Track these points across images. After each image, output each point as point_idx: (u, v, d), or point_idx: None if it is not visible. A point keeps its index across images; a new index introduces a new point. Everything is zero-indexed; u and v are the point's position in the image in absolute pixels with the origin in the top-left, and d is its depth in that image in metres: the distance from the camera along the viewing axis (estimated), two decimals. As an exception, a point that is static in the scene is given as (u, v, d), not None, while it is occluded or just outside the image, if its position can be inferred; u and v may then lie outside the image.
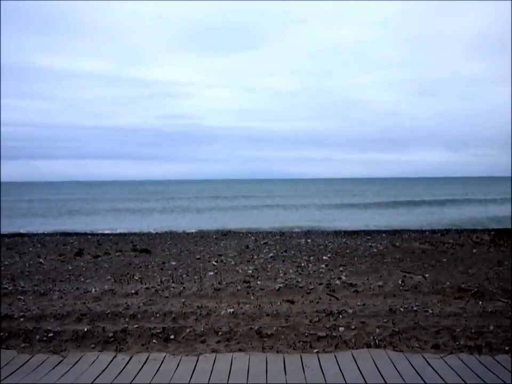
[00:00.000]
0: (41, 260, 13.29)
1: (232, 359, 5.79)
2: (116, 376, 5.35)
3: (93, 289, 8.95)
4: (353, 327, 6.74)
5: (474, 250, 14.15)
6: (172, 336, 6.57)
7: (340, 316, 7.21)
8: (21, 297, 8.54)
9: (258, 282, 9.60)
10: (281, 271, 10.99)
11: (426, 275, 10.24)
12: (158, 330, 6.69)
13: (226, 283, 9.44)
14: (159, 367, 5.60)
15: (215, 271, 11.09)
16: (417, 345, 6.16)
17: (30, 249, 16.19)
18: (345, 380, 5.12)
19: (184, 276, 10.60)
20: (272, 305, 7.77)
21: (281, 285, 9.08)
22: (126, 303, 7.90)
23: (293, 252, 14.48)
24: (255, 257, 13.56)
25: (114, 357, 5.95)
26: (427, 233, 20.72)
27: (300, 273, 10.72)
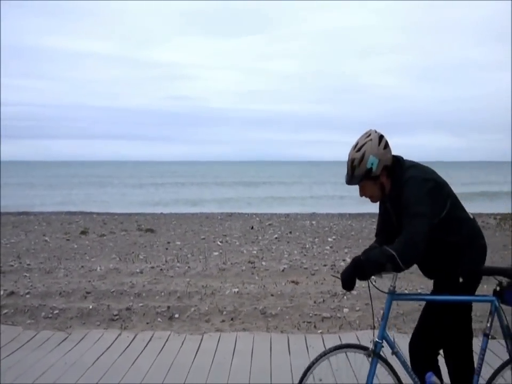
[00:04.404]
0: (46, 238, 13.34)
1: (236, 338, 5.81)
2: (121, 354, 5.38)
3: (98, 268, 8.98)
4: (357, 308, 6.74)
5: (479, 234, 14.11)
6: (177, 315, 6.59)
7: (344, 297, 7.22)
8: (26, 274, 8.59)
9: (263, 263, 9.61)
10: (285, 252, 11.00)
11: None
12: (163, 309, 6.71)
13: (231, 263, 9.46)
14: (164, 346, 5.63)
15: (220, 251, 11.11)
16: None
17: (36, 227, 16.25)
18: (349, 361, 5.12)
19: (189, 255, 10.62)
20: (276, 286, 7.78)
21: (285, 266, 9.09)
22: (131, 281, 7.92)
23: (297, 234, 14.47)
24: (260, 238, 13.57)
25: (119, 334, 5.99)
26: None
27: (305, 255, 10.72)
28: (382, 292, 3.28)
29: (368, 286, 3.22)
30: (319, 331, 6.07)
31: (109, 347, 5.60)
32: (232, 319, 6.49)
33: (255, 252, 11.00)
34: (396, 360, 3.23)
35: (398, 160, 3.25)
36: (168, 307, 6.77)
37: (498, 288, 3.09)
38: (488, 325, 3.12)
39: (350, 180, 3.20)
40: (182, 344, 5.68)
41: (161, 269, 8.88)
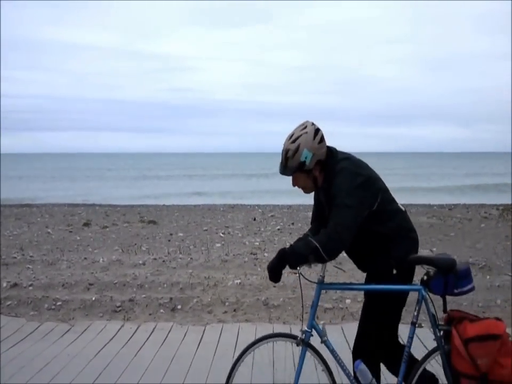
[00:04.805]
0: (49, 230, 13.36)
1: (239, 329, 5.82)
2: (123, 345, 5.40)
3: (101, 259, 9.00)
4: (359, 299, 6.74)
5: (482, 225, 14.10)
6: (179, 306, 6.61)
7: (347, 288, 7.21)
8: (29, 266, 8.60)
9: (265, 254, 9.61)
10: (288, 244, 10.97)
11: (434, 249, 10.21)
12: (165, 300, 6.73)
13: (234, 254, 9.46)
14: (166, 337, 5.65)
15: (222, 242, 11.12)
16: (423, 318, 6.14)
17: (38, 219, 16.28)
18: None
19: (191, 247, 10.63)
20: (279, 277, 7.78)
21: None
22: (133, 273, 7.94)
23: (300, 225, 14.47)
24: (262, 229, 13.57)
25: (122, 326, 6.01)
26: (435, 207, 20.65)
27: (307, 246, 10.71)
28: (311, 282, 3.33)
29: (299, 277, 3.28)
30: (322, 322, 6.07)
31: (111, 338, 5.61)
32: (234, 310, 6.50)
33: (257, 243, 11.01)
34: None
35: (331, 152, 3.24)
36: (171, 298, 6.78)
37: (425, 277, 3.10)
38: (415, 313, 3.14)
39: (283, 171, 3.21)
40: (185, 335, 5.70)
41: (163, 261, 8.89)
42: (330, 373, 3.28)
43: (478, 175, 57.21)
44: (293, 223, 14.83)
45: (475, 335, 2.86)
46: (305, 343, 3.21)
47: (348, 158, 3.22)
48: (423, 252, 9.86)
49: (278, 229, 13.55)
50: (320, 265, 3.24)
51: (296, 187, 3.32)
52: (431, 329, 3.15)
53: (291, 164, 3.15)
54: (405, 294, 3.26)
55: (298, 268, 3.15)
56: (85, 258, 9.24)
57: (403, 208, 3.36)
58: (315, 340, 3.27)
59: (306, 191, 3.33)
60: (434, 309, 3.14)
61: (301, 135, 3.13)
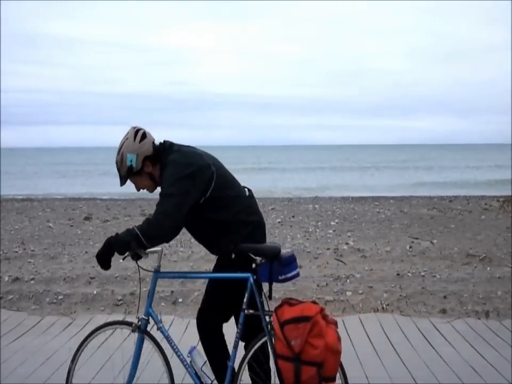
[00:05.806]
0: (50, 224, 13.38)
1: (240, 322, 5.83)
2: (125, 339, 5.37)
3: (102, 253, 9.00)
4: (360, 291, 6.77)
5: (482, 217, 14.10)
6: (180, 300, 6.63)
7: (347, 280, 7.24)
8: (31, 260, 8.63)
9: (266, 247, 9.62)
10: (288, 236, 11.01)
11: (434, 241, 10.23)
12: (167, 294, 6.75)
13: (234, 248, 9.48)
14: (168, 330, 5.63)
15: (223, 236, 11.12)
16: (424, 310, 6.18)
17: (40, 213, 16.29)
18: (352, 344, 5.15)
19: (192, 240, 10.63)
20: (279, 270, 7.80)
21: (288, 250, 9.09)
22: (134, 266, 7.91)
23: (300, 218, 14.48)
24: (263, 222, 13.57)
25: (123, 319, 6.01)
26: (435, 199, 20.63)
27: (308, 239, 10.73)
28: (146, 270, 3.47)
29: (138, 267, 3.38)
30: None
31: (113, 332, 5.62)
32: (235, 303, 6.51)
33: (258, 236, 11.01)
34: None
35: (164, 146, 3.35)
36: (172, 291, 6.80)
37: (254, 265, 3.18)
38: (245, 300, 3.22)
39: (120, 181, 3.36)
40: (186, 328, 5.72)
41: (164, 254, 8.90)
42: (166, 360, 3.40)
43: (478, 166, 57.18)
44: (293, 216, 14.84)
45: (290, 317, 2.94)
46: (141, 330, 3.35)
47: (178, 150, 3.32)
48: (423, 243, 9.89)
49: (279, 222, 13.57)
50: (156, 255, 3.38)
51: (142, 190, 3.44)
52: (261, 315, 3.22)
53: (122, 173, 3.31)
54: (244, 281, 3.25)
55: (125, 254, 3.26)
56: (86, 252, 9.26)
57: (246, 193, 3.48)
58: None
59: (150, 189, 3.44)
60: (265, 296, 3.23)
61: (123, 143, 3.29)
